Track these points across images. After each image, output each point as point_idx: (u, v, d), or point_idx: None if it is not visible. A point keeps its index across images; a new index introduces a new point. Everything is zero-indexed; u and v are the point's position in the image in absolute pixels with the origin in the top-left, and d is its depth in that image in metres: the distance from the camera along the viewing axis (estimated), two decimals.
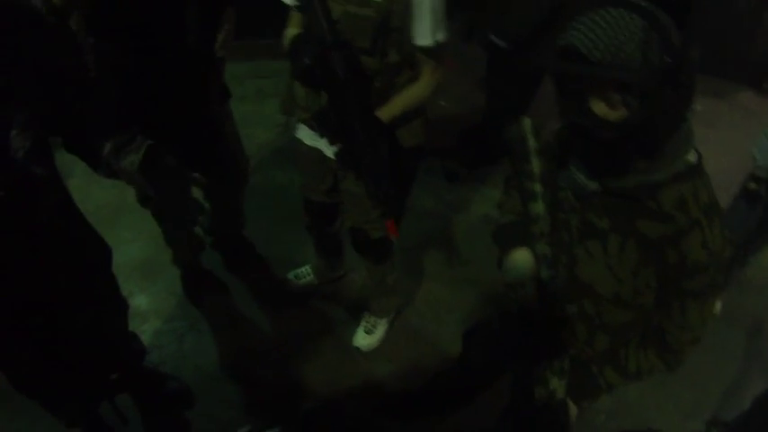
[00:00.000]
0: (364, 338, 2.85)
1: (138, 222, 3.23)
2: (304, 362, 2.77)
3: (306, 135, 2.31)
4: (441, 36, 2.04)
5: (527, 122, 1.48)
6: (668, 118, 1.24)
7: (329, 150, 2.14)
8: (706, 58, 5.56)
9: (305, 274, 3.09)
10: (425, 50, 2.05)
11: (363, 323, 2.88)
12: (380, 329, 2.88)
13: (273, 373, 2.72)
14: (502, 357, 1.99)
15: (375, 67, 2.04)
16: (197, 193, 2.63)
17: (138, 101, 2.11)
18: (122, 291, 2.91)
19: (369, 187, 2.09)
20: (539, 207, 1.51)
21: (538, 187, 1.50)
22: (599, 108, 1.25)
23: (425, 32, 2.01)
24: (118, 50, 2.03)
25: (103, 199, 3.44)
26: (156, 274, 3.06)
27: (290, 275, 3.09)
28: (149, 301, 2.94)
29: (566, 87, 1.30)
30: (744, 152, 3.76)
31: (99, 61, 2.05)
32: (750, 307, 3.43)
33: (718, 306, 1.61)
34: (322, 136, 2.10)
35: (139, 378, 2.32)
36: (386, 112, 2.10)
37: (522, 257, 1.58)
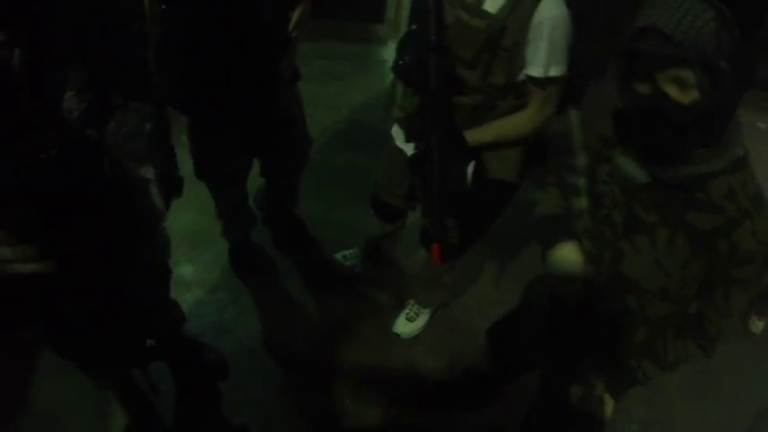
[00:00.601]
0: (405, 325, 2.82)
1: (191, 192, 3.26)
2: (342, 343, 2.75)
3: (397, 134, 2.24)
4: (555, 70, 1.86)
5: (575, 115, 1.47)
6: (730, 107, 1.27)
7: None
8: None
9: (352, 256, 3.07)
10: (535, 81, 1.90)
11: (406, 310, 2.85)
12: (422, 318, 2.84)
13: (311, 351, 2.71)
14: (535, 351, 1.94)
15: (474, 82, 1.93)
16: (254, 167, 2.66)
17: (204, 75, 2.10)
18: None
19: (424, 204, 2.01)
20: (582, 202, 1.49)
21: (582, 182, 1.48)
22: (672, 90, 1.25)
23: (538, 61, 1.85)
24: (188, 21, 1.96)
25: None
26: (204, 244, 3.07)
27: (338, 256, 3.08)
28: (194, 270, 2.95)
29: (636, 70, 1.29)
30: None
31: (167, 33, 1.97)
32: None
33: (760, 325, 1.55)
34: (407, 140, 2.02)
35: (177, 345, 2.33)
36: (474, 135, 1.98)
37: (569, 252, 1.54)
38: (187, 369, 2.42)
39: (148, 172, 1.57)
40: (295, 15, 2.21)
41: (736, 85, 1.22)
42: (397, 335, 2.82)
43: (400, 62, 1.85)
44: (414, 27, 1.87)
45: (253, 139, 2.33)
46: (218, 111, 2.20)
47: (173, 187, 1.70)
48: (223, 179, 2.55)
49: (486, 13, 1.82)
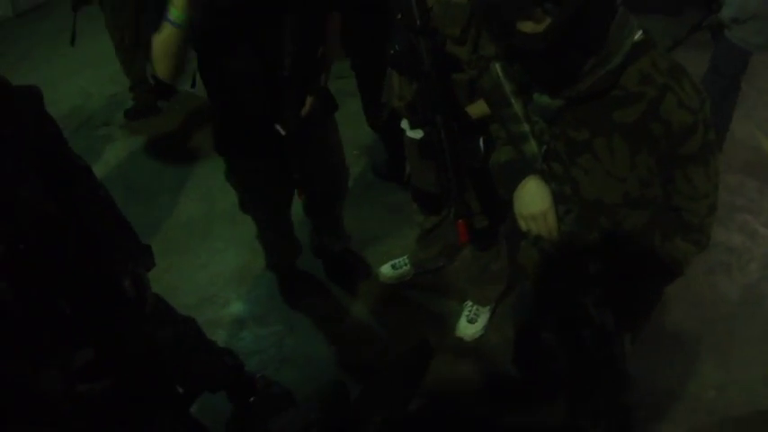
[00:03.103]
0: (467, 328, 2.75)
1: (229, 231, 3.26)
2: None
3: (406, 124, 2.25)
4: None
5: (496, 67, 1.51)
6: (597, 9, 1.26)
7: None
8: None
9: (402, 264, 3.03)
10: None
11: (465, 312, 2.78)
12: (483, 317, 2.77)
13: (377, 369, 2.62)
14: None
15: (466, 57, 1.95)
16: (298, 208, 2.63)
17: (241, 114, 2.13)
18: (219, 299, 2.94)
19: (443, 183, 2.00)
20: (532, 146, 1.53)
21: (525, 127, 1.52)
22: (527, 27, 1.26)
23: None
24: (216, 50, 2.00)
25: (194, 212, 3.51)
26: (252, 280, 3.06)
27: (386, 267, 3.04)
28: (247, 307, 2.93)
29: (496, 22, 1.31)
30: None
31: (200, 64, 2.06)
32: None
33: None
34: (412, 126, 2.04)
35: (241, 389, 2.30)
36: (476, 109, 1.99)
37: (536, 185, 1.56)
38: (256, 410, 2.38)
39: None
40: (326, 43, 2.23)
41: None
42: (461, 338, 2.75)
43: (391, 52, 1.88)
44: (399, 16, 1.87)
45: (292, 169, 2.31)
46: (257, 146, 2.20)
47: None
48: (267, 210, 2.54)
49: None
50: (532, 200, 1.56)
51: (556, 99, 1.44)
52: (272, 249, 2.81)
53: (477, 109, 1.98)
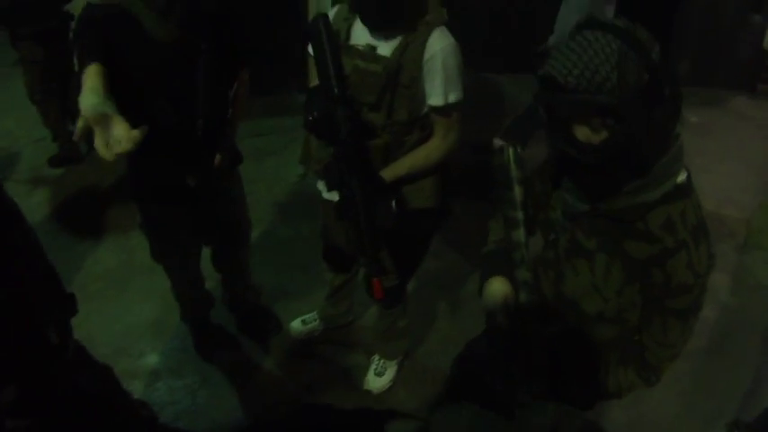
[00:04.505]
0: (375, 381, 2.87)
1: (147, 283, 3.30)
2: (318, 409, 2.78)
3: (322, 186, 2.34)
4: (453, 97, 2.03)
5: (510, 151, 1.49)
6: (654, 135, 1.25)
7: None
8: (696, 69, 5.69)
9: (311, 319, 3.13)
10: (437, 110, 2.06)
11: (373, 366, 2.90)
12: (390, 371, 2.89)
13: (288, 423, 2.73)
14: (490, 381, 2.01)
15: (381, 123, 2.06)
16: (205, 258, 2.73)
17: (149, 165, 2.20)
18: (134, 350, 2.98)
19: (355, 243, 2.12)
20: (519, 234, 1.52)
21: (520, 215, 1.51)
22: (582, 133, 1.27)
23: (436, 91, 2.02)
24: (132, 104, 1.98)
25: (112, 262, 3.53)
26: (167, 332, 3.10)
27: (296, 322, 3.13)
28: (162, 359, 2.97)
29: (552, 116, 1.32)
30: (741, 157, 3.81)
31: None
32: (761, 309, 3.50)
33: None
34: (329, 189, 2.14)
35: None
36: (389, 172, 2.11)
37: (494, 287, 1.63)
38: None
39: None
40: (236, 99, 2.35)
41: (660, 113, 1.21)
42: (370, 391, 2.86)
43: (309, 118, 1.96)
44: (317, 83, 1.98)
45: (198, 221, 2.41)
46: (168, 194, 2.29)
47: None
48: (177, 259, 2.60)
49: (382, 57, 1.98)
50: (490, 299, 1.64)
51: (582, 203, 1.46)
52: (185, 301, 2.87)
53: (391, 172, 2.11)
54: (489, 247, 1.79)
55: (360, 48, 2.03)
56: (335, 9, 2.14)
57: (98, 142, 1.52)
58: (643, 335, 1.52)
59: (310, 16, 4.76)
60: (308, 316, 3.14)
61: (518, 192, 1.49)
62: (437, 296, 3.38)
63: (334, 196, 2.19)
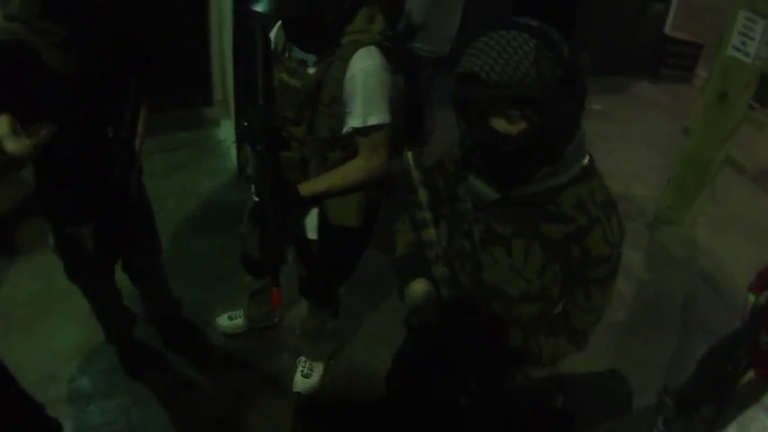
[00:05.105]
0: (303, 383, 2.96)
1: (69, 306, 3.28)
2: (249, 416, 2.87)
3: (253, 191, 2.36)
4: (374, 119, 2.03)
5: (408, 155, 1.55)
6: (566, 125, 1.35)
7: None
8: (599, 58, 5.93)
9: (236, 316, 3.19)
10: (358, 131, 2.06)
11: (300, 367, 2.99)
12: (317, 372, 2.99)
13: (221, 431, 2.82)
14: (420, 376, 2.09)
15: (301, 137, 2.09)
16: (121, 274, 2.77)
17: (58, 182, 2.20)
18: (63, 375, 2.99)
19: (262, 253, 2.18)
20: (431, 233, 1.59)
21: (428, 215, 1.57)
22: (499, 125, 1.34)
23: (356, 112, 2.01)
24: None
25: (33, 288, 3.49)
26: (94, 354, 3.11)
27: (223, 317, 3.19)
28: (91, 381, 2.98)
29: (466, 110, 1.39)
30: (646, 139, 4.00)
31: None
32: (679, 282, 3.79)
33: None
34: (255, 195, 2.17)
35: None
36: (307, 187, 2.14)
37: (415, 287, 1.70)
38: None
39: None
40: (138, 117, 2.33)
41: (570, 105, 1.31)
42: (299, 393, 2.95)
43: (243, 125, 2.01)
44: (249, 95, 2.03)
45: (105, 236, 2.43)
46: (79, 211, 2.31)
47: None
48: (89, 278, 2.61)
49: (305, 74, 2.01)
50: (413, 299, 1.70)
51: (493, 192, 1.52)
52: (106, 319, 2.88)
53: (308, 187, 2.14)
54: (401, 251, 1.84)
55: (291, 63, 2.05)
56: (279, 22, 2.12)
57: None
58: (567, 305, 1.62)
59: (212, 29, 4.78)
60: (233, 312, 3.20)
61: (422, 193, 1.55)
62: (358, 295, 3.48)
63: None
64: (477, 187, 1.56)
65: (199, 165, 4.68)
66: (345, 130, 2.09)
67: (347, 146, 2.14)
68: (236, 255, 2.86)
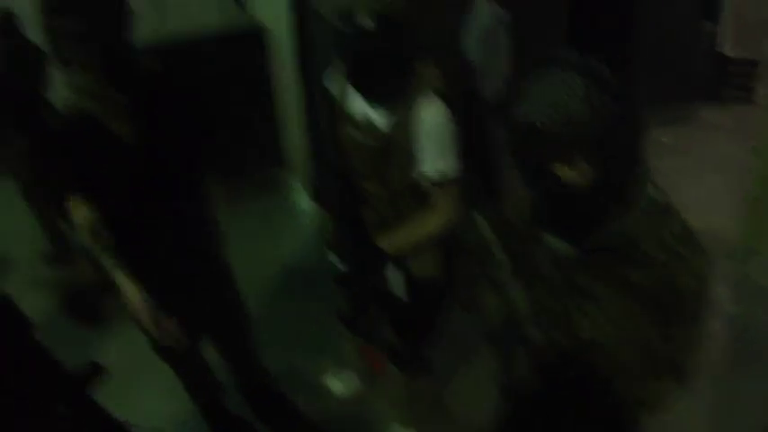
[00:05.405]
0: None
1: (156, 378, 3.29)
2: None
3: (335, 258, 2.33)
4: (446, 167, 2.01)
5: (478, 218, 1.57)
6: (627, 159, 1.32)
7: None
8: (658, 87, 5.80)
9: (348, 377, 3.11)
10: (432, 182, 2.04)
11: None
12: None
13: None
14: None
15: (376, 192, 2.09)
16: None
17: (140, 257, 2.18)
18: None
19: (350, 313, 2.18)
20: (516, 294, 1.58)
21: (509, 276, 1.58)
22: (563, 172, 1.31)
23: (428, 162, 2.00)
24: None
25: (119, 358, 3.52)
26: (184, 425, 3.12)
27: (333, 380, 3.14)
28: None
29: (528, 161, 1.37)
30: (717, 168, 3.87)
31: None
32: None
33: None
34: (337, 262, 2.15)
35: None
36: (386, 241, 2.11)
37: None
38: None
39: None
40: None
41: (625, 137, 1.28)
42: None
43: (318, 190, 2.00)
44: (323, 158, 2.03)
45: (195, 312, 2.41)
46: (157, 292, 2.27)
47: None
48: (178, 356, 2.57)
49: (375, 128, 1.99)
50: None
51: (570, 247, 1.48)
52: (193, 391, 2.83)
53: (387, 241, 2.10)
54: (492, 318, 1.78)
55: (355, 116, 2.04)
56: (330, 73, 2.12)
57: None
58: (665, 343, 1.54)
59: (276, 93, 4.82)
60: (343, 374, 3.11)
61: (500, 253, 1.57)
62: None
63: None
64: (552, 243, 1.52)
65: (276, 229, 4.69)
66: (417, 179, 2.07)
67: (420, 196, 2.12)
68: (321, 319, 2.82)
